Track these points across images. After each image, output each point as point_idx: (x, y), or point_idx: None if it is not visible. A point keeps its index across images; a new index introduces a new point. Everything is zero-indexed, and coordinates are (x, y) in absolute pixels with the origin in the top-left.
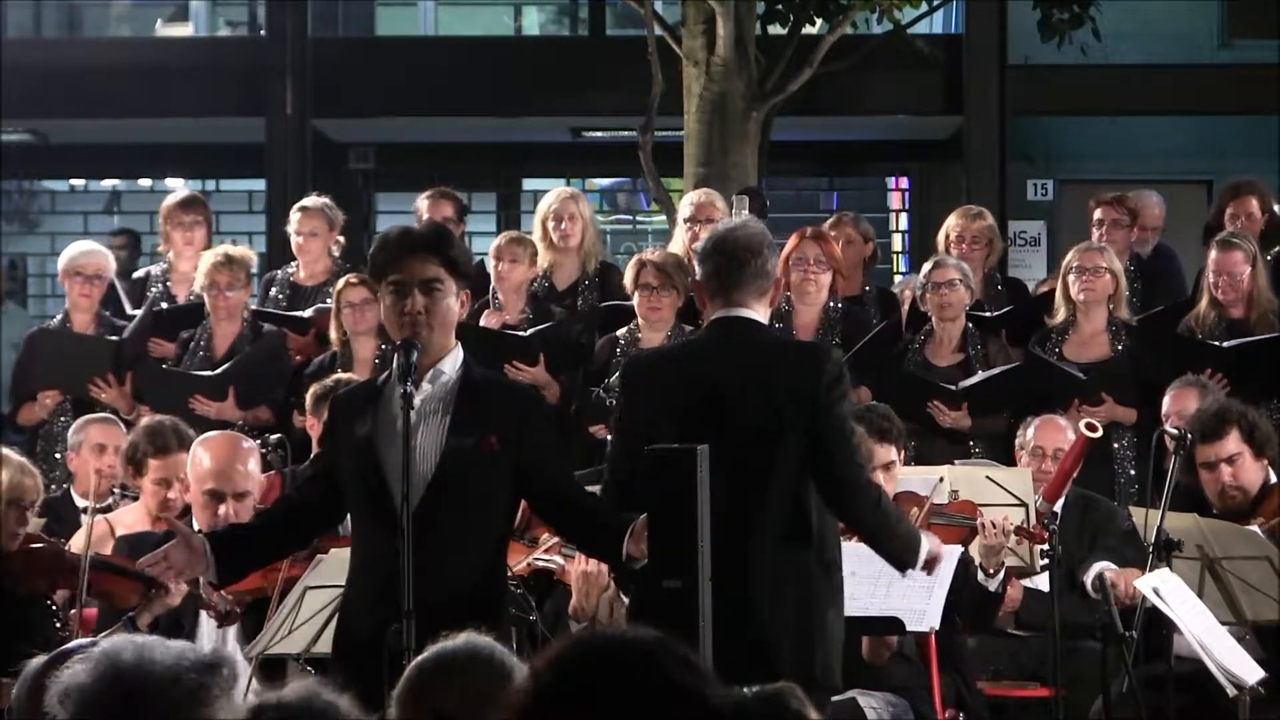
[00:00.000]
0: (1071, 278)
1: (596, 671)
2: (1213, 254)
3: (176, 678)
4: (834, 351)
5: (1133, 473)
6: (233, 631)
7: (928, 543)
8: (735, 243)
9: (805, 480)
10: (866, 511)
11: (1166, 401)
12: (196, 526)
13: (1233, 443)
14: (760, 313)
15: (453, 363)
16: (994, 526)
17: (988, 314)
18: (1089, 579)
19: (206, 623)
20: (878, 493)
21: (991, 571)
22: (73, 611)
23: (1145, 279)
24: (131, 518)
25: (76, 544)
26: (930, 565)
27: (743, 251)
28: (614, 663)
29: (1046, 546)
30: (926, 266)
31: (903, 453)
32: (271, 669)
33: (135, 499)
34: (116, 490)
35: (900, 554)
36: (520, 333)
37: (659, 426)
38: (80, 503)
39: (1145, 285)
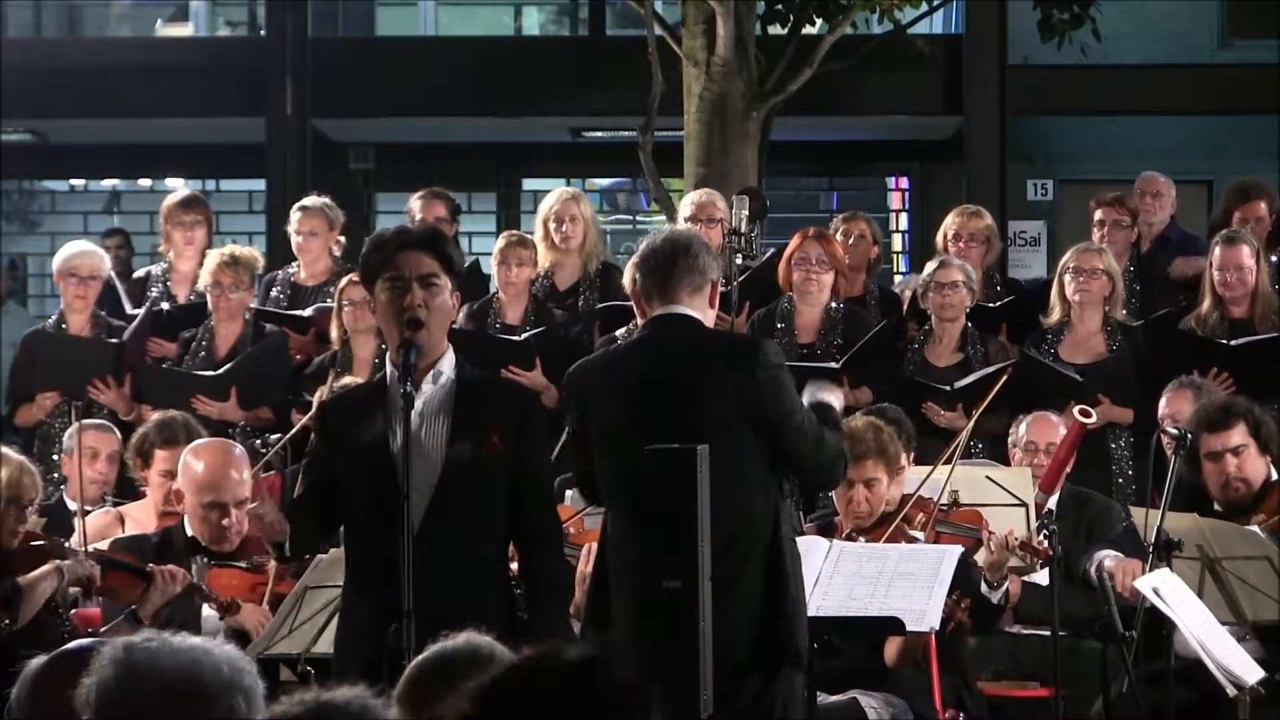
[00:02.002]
0: (1068, 278)
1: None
2: (1217, 250)
3: (221, 683)
4: (768, 342)
5: (1131, 473)
6: (222, 635)
7: (830, 398)
8: (663, 243)
9: (753, 465)
10: (829, 477)
11: (1163, 403)
12: (190, 533)
13: (1239, 434)
14: (697, 310)
15: (449, 363)
16: (999, 542)
17: (988, 305)
18: (1091, 568)
19: (205, 626)
20: (833, 454)
21: (995, 584)
22: (75, 610)
23: (1144, 280)
24: (141, 514)
25: (77, 542)
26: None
27: (670, 249)
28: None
29: (1043, 562)
30: (931, 266)
31: (911, 454)
32: (265, 669)
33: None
34: (108, 498)
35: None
36: (515, 338)
37: (606, 429)
38: (73, 506)
39: (1144, 287)
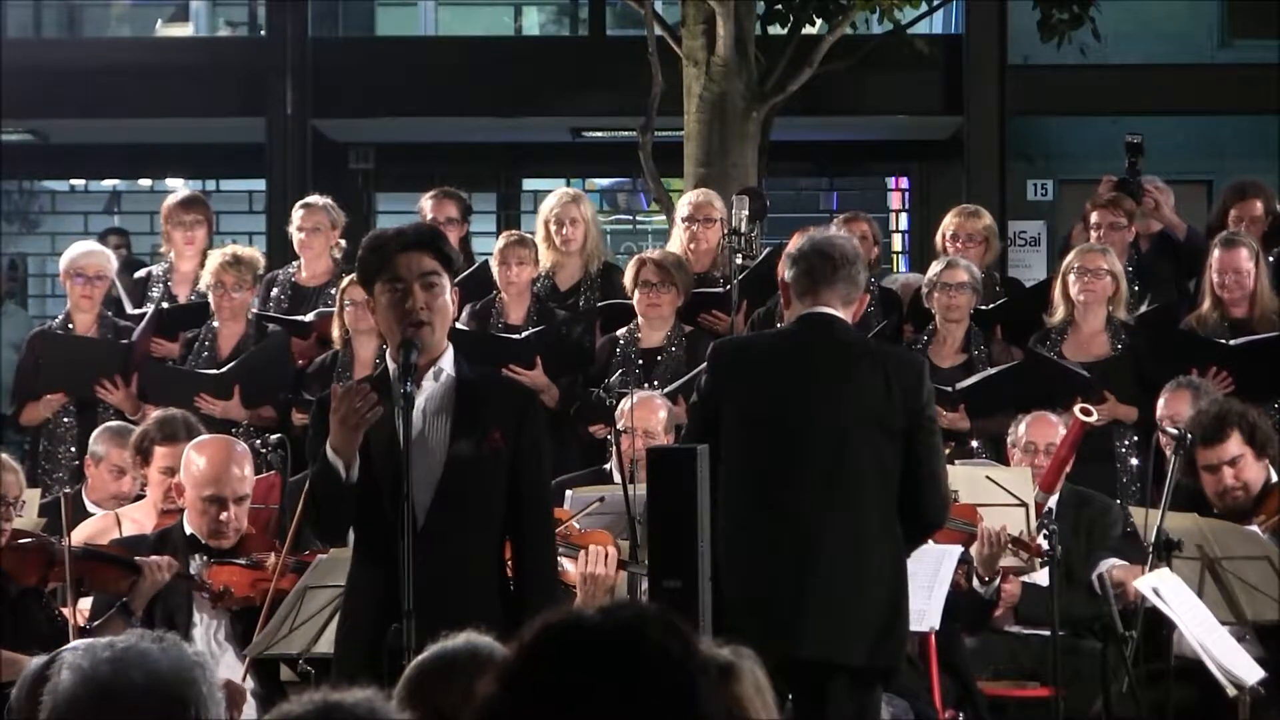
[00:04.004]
0: (1072, 278)
1: (570, 658)
2: (1216, 253)
3: (154, 689)
4: (924, 359)
5: (1135, 471)
6: (222, 631)
7: None
8: (831, 246)
9: (884, 474)
10: (940, 504)
11: (1161, 404)
12: (189, 530)
13: (1234, 445)
14: (845, 316)
15: (449, 360)
16: (991, 536)
17: (983, 307)
18: (1095, 576)
19: (201, 618)
20: (946, 486)
21: (987, 579)
22: (67, 610)
23: (1144, 278)
24: (139, 514)
25: (74, 538)
26: None
27: (839, 256)
28: (587, 648)
29: (1041, 560)
30: (937, 266)
31: None
32: (264, 669)
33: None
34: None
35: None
36: (515, 336)
37: (747, 408)
38: (93, 509)
39: (1145, 285)
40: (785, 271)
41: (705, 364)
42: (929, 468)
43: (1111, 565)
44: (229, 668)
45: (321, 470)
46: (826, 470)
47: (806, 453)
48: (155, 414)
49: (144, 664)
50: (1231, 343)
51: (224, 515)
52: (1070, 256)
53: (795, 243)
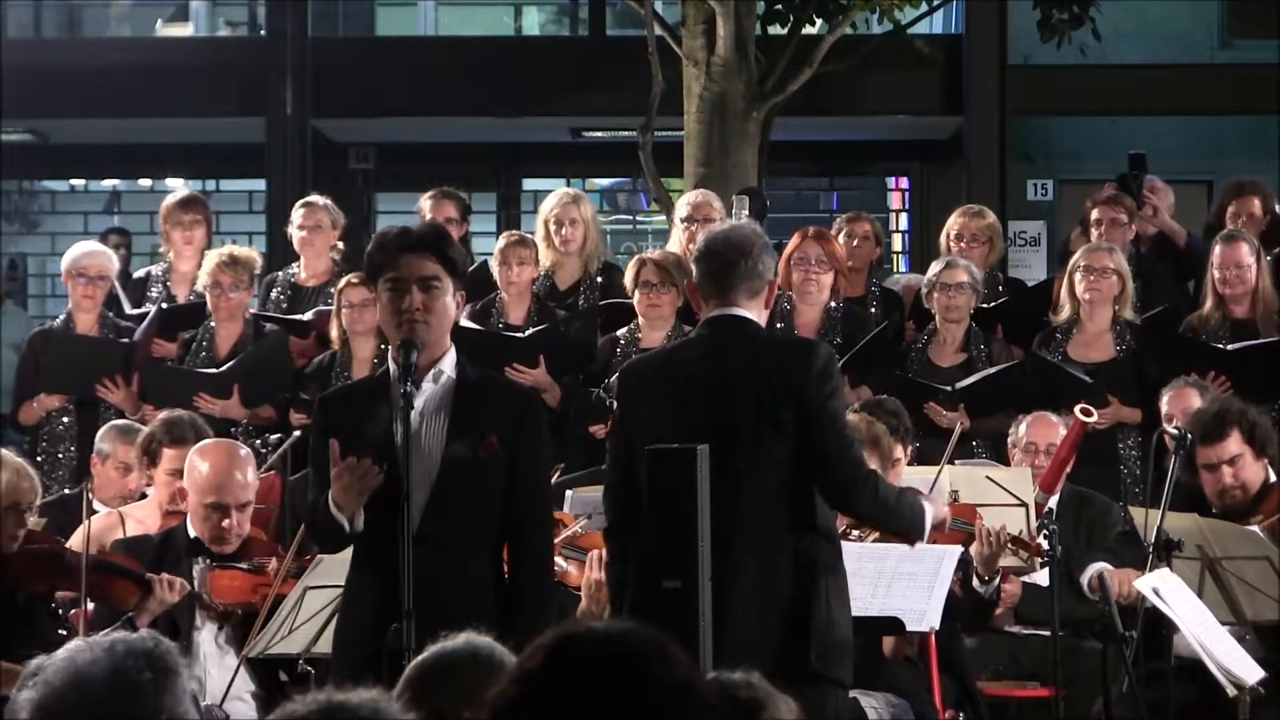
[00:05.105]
0: (1079, 276)
1: (581, 667)
2: (1218, 249)
3: (113, 684)
4: (823, 346)
5: (1139, 473)
6: (224, 635)
7: (931, 510)
8: (725, 244)
9: (801, 475)
10: (866, 505)
11: (1165, 402)
12: (193, 534)
13: (1234, 444)
14: (753, 312)
15: (450, 362)
16: (990, 535)
17: (984, 306)
18: (1085, 579)
19: (204, 622)
20: (874, 481)
21: (987, 579)
22: (74, 611)
23: (1144, 278)
24: (142, 513)
25: (78, 541)
26: (940, 529)
27: (733, 252)
28: (600, 658)
29: (1041, 559)
30: (937, 266)
31: (909, 450)
32: (265, 670)
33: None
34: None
35: (907, 532)
36: (518, 334)
37: (654, 428)
38: (99, 507)
39: (1145, 284)
40: (693, 274)
41: (615, 387)
42: (819, 447)
43: (1101, 569)
44: (231, 671)
45: (324, 518)
46: (730, 476)
47: (717, 464)
48: (162, 416)
49: (90, 673)
50: (1230, 347)
51: (226, 522)
52: (1077, 255)
53: (696, 243)
